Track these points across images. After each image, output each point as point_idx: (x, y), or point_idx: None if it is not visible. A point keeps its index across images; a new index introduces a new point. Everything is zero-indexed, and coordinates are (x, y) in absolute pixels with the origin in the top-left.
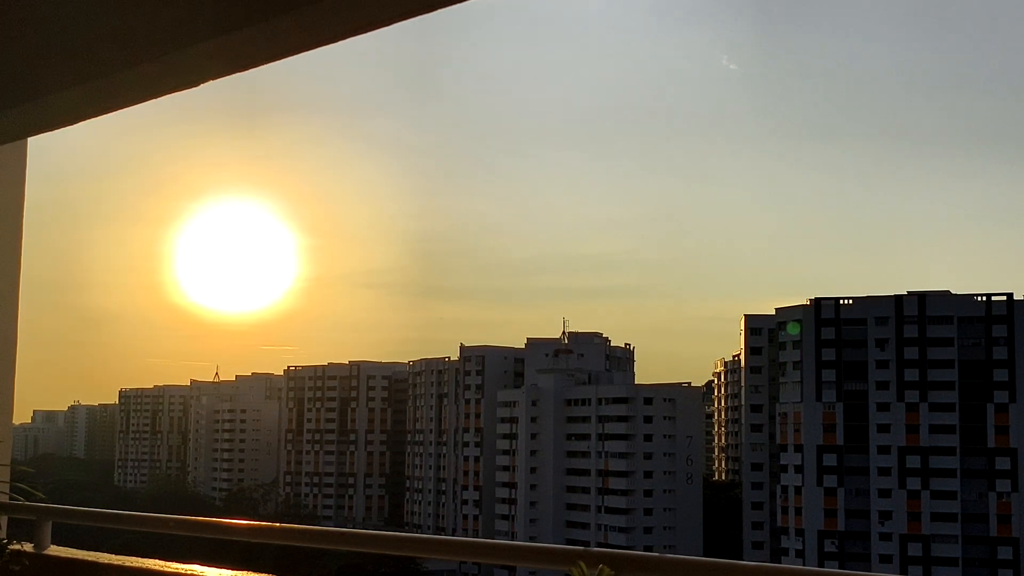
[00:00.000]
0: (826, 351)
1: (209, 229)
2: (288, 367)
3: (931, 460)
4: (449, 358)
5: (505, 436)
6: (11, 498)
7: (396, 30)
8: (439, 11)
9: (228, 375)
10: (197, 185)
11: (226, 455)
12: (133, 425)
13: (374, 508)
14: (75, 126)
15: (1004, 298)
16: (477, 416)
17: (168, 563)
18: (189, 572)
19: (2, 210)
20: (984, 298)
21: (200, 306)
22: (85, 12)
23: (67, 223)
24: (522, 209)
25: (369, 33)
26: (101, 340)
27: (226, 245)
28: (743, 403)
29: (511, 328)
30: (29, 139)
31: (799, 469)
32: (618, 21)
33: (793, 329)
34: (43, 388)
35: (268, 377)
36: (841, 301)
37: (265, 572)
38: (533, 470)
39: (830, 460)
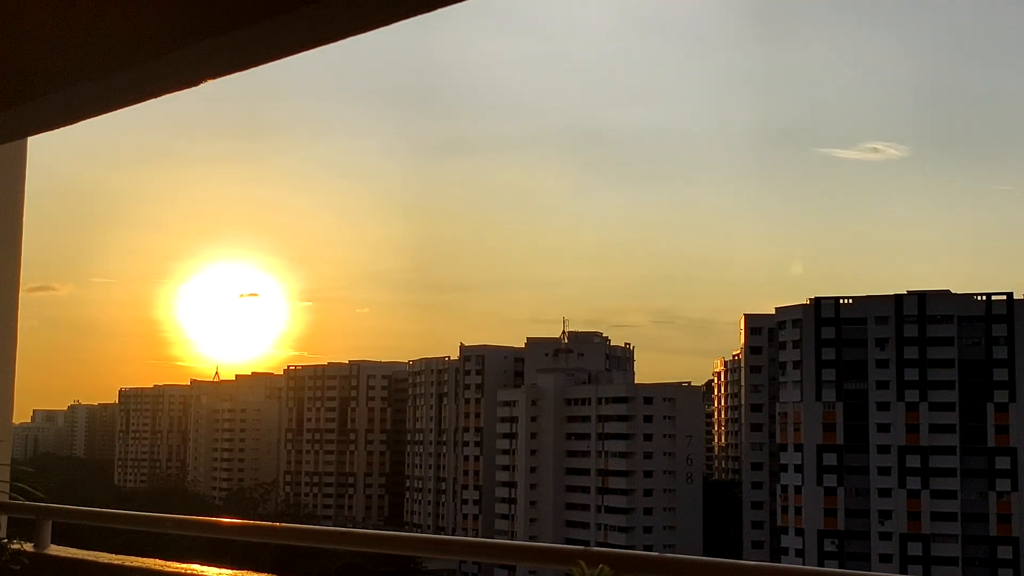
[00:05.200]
0: (826, 350)
1: (207, 248)
2: (288, 367)
3: (931, 459)
4: (449, 358)
5: (505, 436)
6: (11, 498)
7: (396, 31)
8: (437, 12)
9: (228, 375)
10: (196, 188)
11: (226, 455)
12: (133, 425)
13: (374, 508)
14: (77, 125)
15: (1004, 298)
16: (477, 416)
17: (168, 563)
18: (189, 572)
19: (2, 209)
20: (984, 298)
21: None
22: (85, 11)
23: (68, 222)
24: (522, 210)
25: (368, 33)
26: (101, 340)
27: (225, 272)
28: (743, 403)
29: (511, 328)
30: (29, 139)
31: (799, 468)
32: (618, 27)
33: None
34: (43, 388)
35: (268, 377)
36: (841, 301)
37: (265, 572)
38: (533, 470)
39: (830, 459)
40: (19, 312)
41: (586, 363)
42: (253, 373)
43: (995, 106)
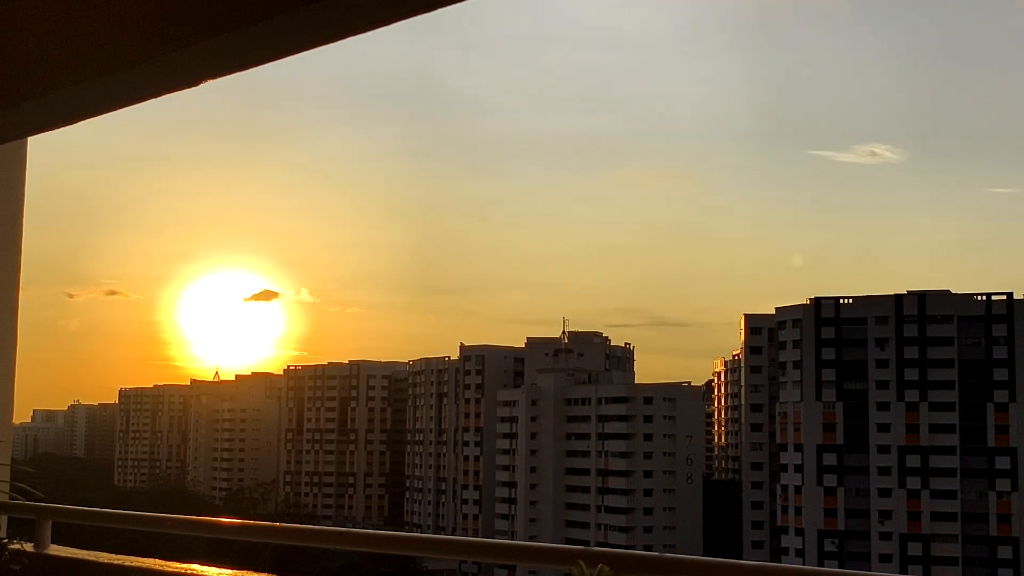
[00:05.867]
0: (826, 350)
1: (207, 252)
2: (288, 367)
3: (931, 459)
4: (449, 358)
5: (505, 436)
6: (11, 498)
7: (394, 32)
8: (436, 12)
9: (228, 375)
10: (196, 190)
11: (226, 455)
12: (133, 425)
13: (374, 508)
14: (76, 126)
15: (1004, 298)
16: (477, 416)
17: (168, 563)
18: (189, 572)
19: (2, 210)
20: (984, 298)
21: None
22: (85, 11)
23: (68, 221)
24: (522, 210)
25: (368, 33)
26: (101, 341)
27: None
28: (743, 402)
29: (511, 328)
30: (29, 139)
31: (799, 468)
32: (617, 30)
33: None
34: (43, 388)
35: (268, 377)
36: (841, 301)
37: (265, 572)
38: (533, 470)
39: (830, 459)
40: (19, 312)
41: (586, 363)
42: (253, 373)
43: (992, 108)
